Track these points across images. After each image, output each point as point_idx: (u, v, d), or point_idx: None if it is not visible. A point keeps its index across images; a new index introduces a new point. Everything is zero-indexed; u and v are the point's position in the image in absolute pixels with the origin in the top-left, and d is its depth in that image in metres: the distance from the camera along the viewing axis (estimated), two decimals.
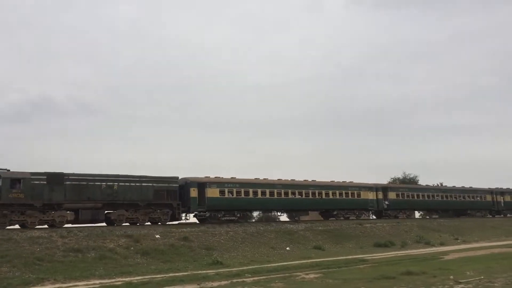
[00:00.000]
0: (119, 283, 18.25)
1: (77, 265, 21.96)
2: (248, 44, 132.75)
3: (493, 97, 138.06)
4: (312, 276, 18.59)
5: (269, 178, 38.90)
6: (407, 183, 65.46)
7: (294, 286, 15.78)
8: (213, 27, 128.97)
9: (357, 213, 44.20)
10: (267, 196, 36.97)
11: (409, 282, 15.40)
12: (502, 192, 57.69)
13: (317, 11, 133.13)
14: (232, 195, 35.24)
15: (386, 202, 45.88)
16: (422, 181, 69.35)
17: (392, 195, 46.52)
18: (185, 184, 33.59)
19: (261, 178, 38.51)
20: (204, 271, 21.24)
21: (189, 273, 20.96)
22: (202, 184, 34.10)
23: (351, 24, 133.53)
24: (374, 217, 47.03)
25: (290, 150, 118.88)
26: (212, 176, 35.81)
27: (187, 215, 34.38)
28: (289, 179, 39.90)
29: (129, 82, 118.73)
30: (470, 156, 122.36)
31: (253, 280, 18.04)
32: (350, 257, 26.69)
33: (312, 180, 40.88)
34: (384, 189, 46.50)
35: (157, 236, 27.91)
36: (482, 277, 16.08)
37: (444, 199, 51.20)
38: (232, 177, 36.34)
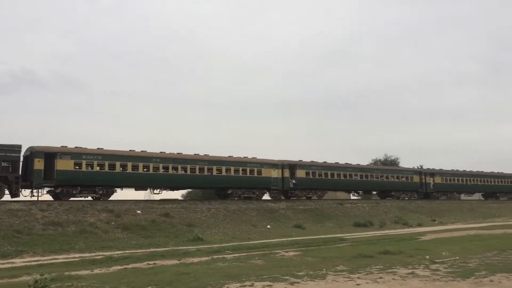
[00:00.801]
0: (99, 257, 18.26)
1: (57, 239, 21.89)
2: (233, 22, 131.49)
3: (475, 82, 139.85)
4: (291, 253, 18.81)
5: (148, 151, 34.00)
6: (388, 165, 66.00)
7: (274, 263, 15.94)
8: (198, 4, 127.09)
9: (257, 193, 38.70)
10: (141, 170, 32.28)
11: (386, 261, 15.67)
12: (432, 173, 52.94)
13: None
14: (92, 169, 30.37)
15: (293, 181, 40.47)
16: (404, 163, 70.27)
17: (300, 173, 40.98)
18: (30, 154, 28.85)
19: (165, 152, 34.65)
20: (185, 247, 21.34)
21: (169, 248, 21.05)
22: (50, 155, 29.07)
23: (337, 6, 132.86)
24: (283, 197, 41.45)
25: (272, 130, 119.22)
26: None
27: (38, 191, 28.70)
28: (175, 153, 35.24)
29: (111, 57, 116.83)
30: (453, 139, 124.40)
31: (234, 256, 18.17)
32: (330, 236, 27.06)
33: (205, 155, 36.37)
34: (292, 166, 40.75)
35: (139, 211, 27.89)
36: (457, 257, 16.43)
37: (364, 179, 46.38)
38: (99, 148, 31.54)
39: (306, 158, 45.10)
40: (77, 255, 18.93)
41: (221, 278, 12.69)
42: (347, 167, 45.57)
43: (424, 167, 61.38)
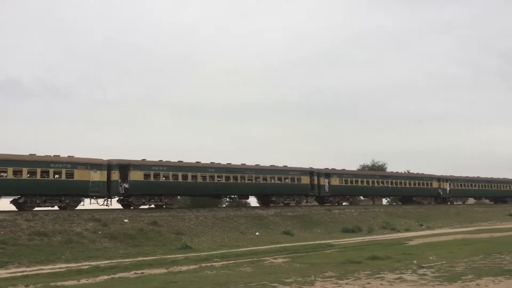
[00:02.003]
0: (86, 267, 18.04)
1: (43, 249, 21.61)
2: (221, 27, 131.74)
3: (460, 86, 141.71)
4: (280, 260, 18.79)
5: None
6: (376, 170, 66.35)
7: (262, 270, 15.91)
8: (183, 11, 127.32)
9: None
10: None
11: (374, 267, 15.73)
12: (327, 174, 44.49)
13: None
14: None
15: (125, 185, 31.91)
16: (392, 169, 70.67)
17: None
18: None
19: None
20: (173, 256, 21.21)
21: (157, 257, 20.89)
22: (124, 167, 31.40)
23: (325, 10, 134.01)
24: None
25: (260, 135, 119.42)
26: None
27: (109, 200, 31.69)
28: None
29: (98, 64, 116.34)
30: (440, 144, 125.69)
31: (222, 264, 18.10)
32: (318, 242, 27.08)
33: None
34: (124, 167, 31.84)
35: (126, 220, 27.66)
36: (444, 261, 16.56)
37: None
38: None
39: (294, 162, 46.61)
40: (63, 265, 18.69)
41: (209, 286, 12.64)
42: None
43: (410, 171, 61.82)
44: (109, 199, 32.05)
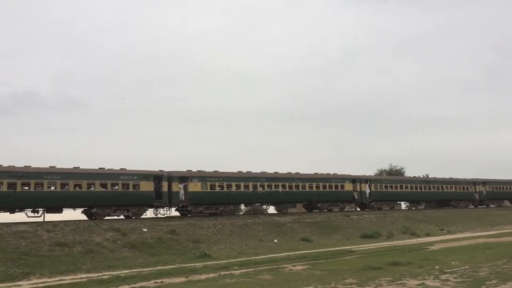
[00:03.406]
0: (107, 277, 18.17)
1: (64, 260, 21.81)
2: (232, 37, 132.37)
3: (475, 90, 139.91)
4: (299, 267, 18.68)
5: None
6: (393, 174, 65.96)
7: (282, 278, 15.83)
8: (193, 18, 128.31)
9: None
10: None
11: (395, 273, 15.53)
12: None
13: (301, 5, 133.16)
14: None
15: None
16: (409, 173, 69.98)
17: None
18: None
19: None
20: (192, 264, 21.24)
21: (176, 266, 20.94)
22: (184, 178, 33.83)
23: (334, 18, 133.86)
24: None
25: (273, 143, 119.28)
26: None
27: (169, 209, 34.25)
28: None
29: (113, 75, 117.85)
30: (458, 148, 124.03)
31: (241, 272, 18.06)
32: (337, 248, 26.87)
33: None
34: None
35: (145, 229, 27.81)
36: (467, 266, 16.28)
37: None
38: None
39: (310, 169, 46.91)
40: (84, 276, 18.85)
41: None
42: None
43: (430, 176, 61.39)
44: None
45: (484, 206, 58.27)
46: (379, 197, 46.18)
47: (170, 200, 33.03)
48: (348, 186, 43.41)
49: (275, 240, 30.45)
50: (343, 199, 43.71)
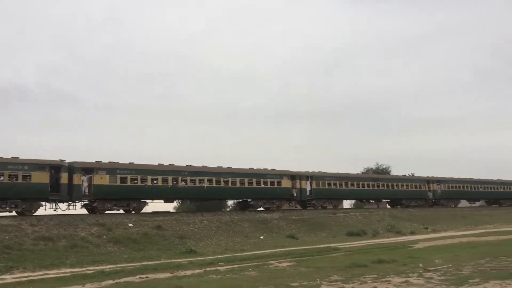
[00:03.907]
0: (91, 271, 18.04)
1: (48, 254, 21.59)
2: (229, 35, 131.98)
3: (469, 91, 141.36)
4: (285, 264, 18.72)
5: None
6: (380, 173, 66.20)
7: (267, 274, 15.85)
8: (193, 17, 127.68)
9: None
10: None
11: (380, 270, 15.65)
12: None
13: (299, 4, 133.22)
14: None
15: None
16: (396, 172, 70.41)
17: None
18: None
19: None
20: (178, 260, 21.16)
21: (162, 261, 20.85)
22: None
23: (334, 17, 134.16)
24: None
25: (268, 141, 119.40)
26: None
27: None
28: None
29: (105, 71, 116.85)
30: (448, 148, 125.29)
31: (227, 268, 18.05)
32: (323, 245, 26.99)
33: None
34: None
35: (130, 224, 27.65)
36: (450, 265, 16.46)
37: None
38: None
39: (305, 167, 46.26)
40: (68, 270, 18.67)
41: None
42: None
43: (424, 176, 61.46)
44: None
45: (440, 205, 54.62)
46: (321, 194, 42.64)
47: (70, 193, 29.24)
48: (286, 183, 39.79)
49: (262, 237, 30.48)
50: (280, 197, 40.04)
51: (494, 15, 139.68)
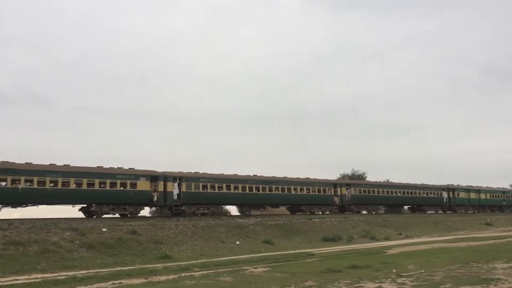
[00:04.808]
0: (62, 277, 17.69)
1: (18, 259, 21.12)
2: (203, 38, 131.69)
3: (438, 99, 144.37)
4: (260, 270, 18.71)
5: None
6: (355, 179, 66.95)
7: (242, 280, 15.81)
8: (168, 18, 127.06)
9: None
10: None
11: (354, 276, 15.77)
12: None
13: (273, 9, 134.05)
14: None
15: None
16: (370, 178, 71.30)
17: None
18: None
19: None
20: (152, 265, 20.94)
21: (136, 267, 20.61)
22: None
23: (306, 24, 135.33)
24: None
25: (240, 147, 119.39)
26: None
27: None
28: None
29: (80, 72, 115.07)
30: (417, 155, 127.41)
31: (202, 274, 17.94)
32: (299, 251, 27.08)
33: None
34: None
35: (104, 229, 27.24)
36: (423, 270, 16.70)
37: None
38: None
39: (280, 173, 46.83)
40: (39, 276, 18.28)
41: None
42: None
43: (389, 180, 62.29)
44: None
45: (350, 212, 48.15)
46: (194, 199, 36.56)
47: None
48: (144, 185, 33.78)
49: (237, 242, 30.42)
50: (137, 201, 33.92)
51: (463, 24, 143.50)
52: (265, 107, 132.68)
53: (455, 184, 61.69)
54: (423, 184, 57.02)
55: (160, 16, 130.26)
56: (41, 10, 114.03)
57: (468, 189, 62.11)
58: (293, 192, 42.78)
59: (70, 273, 18.67)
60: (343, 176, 73.07)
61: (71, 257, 22.67)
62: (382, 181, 57.30)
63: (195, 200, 36.88)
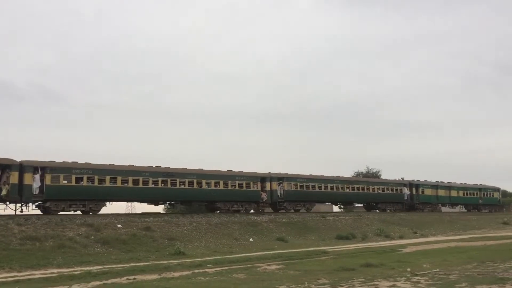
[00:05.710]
0: (78, 272, 17.88)
1: (34, 254, 21.40)
2: (216, 35, 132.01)
3: (452, 96, 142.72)
4: (274, 267, 18.71)
5: None
6: (370, 177, 66.33)
7: (256, 277, 15.82)
8: (182, 17, 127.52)
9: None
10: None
11: (368, 274, 15.68)
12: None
13: (287, 7, 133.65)
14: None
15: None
16: (386, 176, 70.69)
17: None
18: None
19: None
20: (166, 261, 21.06)
21: (150, 263, 20.75)
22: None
23: (319, 20, 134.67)
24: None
25: (254, 142, 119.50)
26: None
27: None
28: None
29: (93, 70, 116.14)
30: (434, 152, 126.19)
31: (215, 270, 17.99)
32: (312, 249, 27.00)
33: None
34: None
35: (119, 225, 27.50)
36: (438, 269, 16.54)
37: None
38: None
39: (291, 170, 45.95)
40: (55, 271, 18.51)
41: None
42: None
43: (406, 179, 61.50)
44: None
45: (284, 210, 41.62)
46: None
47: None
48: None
49: (251, 239, 30.45)
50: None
51: (477, 22, 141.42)
52: (278, 104, 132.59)
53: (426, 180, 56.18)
54: (380, 179, 55.49)
55: (174, 17, 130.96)
56: (58, 10, 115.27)
57: (436, 186, 55.91)
58: (205, 186, 36.00)
59: (86, 268, 18.88)
60: (358, 174, 72.17)
61: (86, 252, 22.92)
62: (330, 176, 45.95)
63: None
